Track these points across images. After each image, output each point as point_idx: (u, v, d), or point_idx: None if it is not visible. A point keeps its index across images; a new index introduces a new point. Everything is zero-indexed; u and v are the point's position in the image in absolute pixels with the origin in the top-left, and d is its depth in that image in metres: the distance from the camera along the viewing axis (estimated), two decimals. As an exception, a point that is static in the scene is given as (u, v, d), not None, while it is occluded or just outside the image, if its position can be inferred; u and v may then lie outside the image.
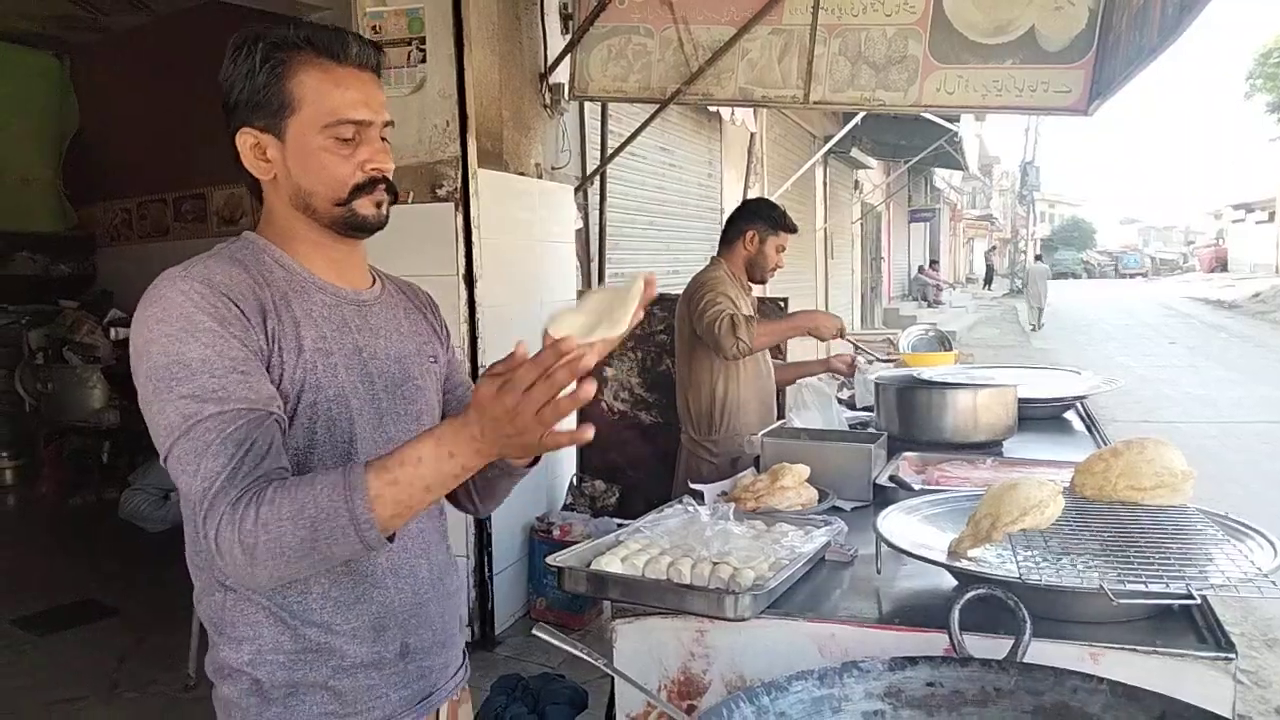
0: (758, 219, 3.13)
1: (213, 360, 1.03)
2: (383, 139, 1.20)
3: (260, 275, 1.15)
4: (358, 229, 1.20)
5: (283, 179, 1.17)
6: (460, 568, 1.38)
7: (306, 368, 1.13)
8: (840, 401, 3.03)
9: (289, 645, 1.14)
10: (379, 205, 1.19)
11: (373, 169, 1.17)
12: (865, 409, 3.05)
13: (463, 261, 3.54)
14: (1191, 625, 1.19)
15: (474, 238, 3.55)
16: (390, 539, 1.02)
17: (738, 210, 3.27)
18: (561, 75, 4.38)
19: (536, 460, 1.22)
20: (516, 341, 0.96)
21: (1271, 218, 32.95)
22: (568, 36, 4.38)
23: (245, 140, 1.16)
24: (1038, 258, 25.94)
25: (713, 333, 2.85)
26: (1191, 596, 1.09)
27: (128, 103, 6.62)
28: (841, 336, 3.02)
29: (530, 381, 0.93)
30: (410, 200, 3.58)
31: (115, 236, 7.06)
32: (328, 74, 1.14)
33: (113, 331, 6.14)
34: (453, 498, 1.35)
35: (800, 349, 4.61)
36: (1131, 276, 47.62)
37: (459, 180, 3.55)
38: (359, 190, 1.17)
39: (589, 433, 1.00)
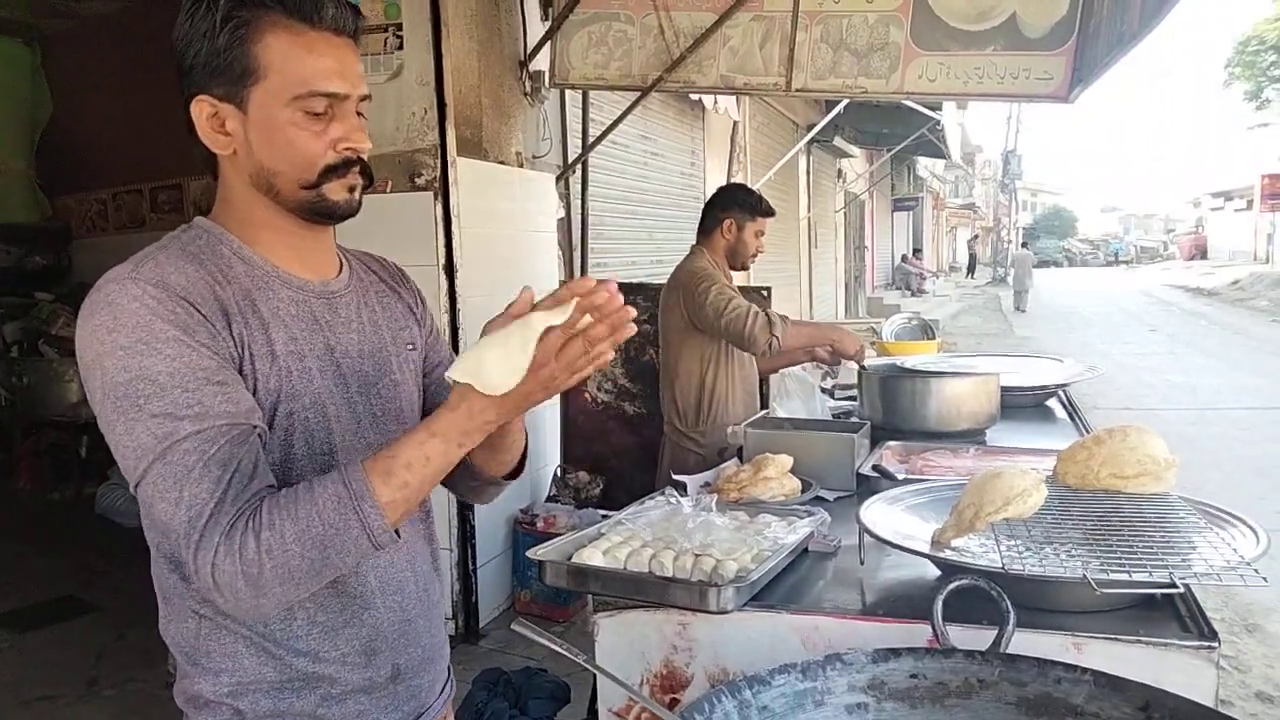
0: (733, 205, 3.07)
1: (183, 373, 0.93)
2: (359, 114, 1.06)
3: (219, 271, 1.02)
4: (326, 215, 1.07)
5: (243, 155, 1.03)
6: (442, 570, 1.30)
7: (282, 374, 1.03)
8: (823, 391, 3.02)
9: (273, 675, 1.06)
10: (351, 190, 1.06)
11: (346, 148, 1.04)
12: (848, 398, 3.04)
13: (443, 252, 3.51)
14: (1174, 614, 1.19)
15: (454, 227, 3.52)
16: (397, 533, 0.97)
17: (713, 198, 3.19)
18: (542, 63, 4.34)
19: (521, 468, 1.24)
20: (524, 288, 0.99)
21: (1250, 205, 33.23)
22: (547, 23, 4.34)
23: (201, 109, 1.02)
24: (1023, 245, 27.90)
25: (740, 326, 2.74)
26: (1175, 585, 1.08)
27: (101, 91, 6.50)
28: (862, 358, 2.86)
29: (559, 346, 0.94)
30: (389, 189, 3.54)
31: (91, 227, 6.94)
32: (299, 38, 1.00)
33: (89, 324, 6.04)
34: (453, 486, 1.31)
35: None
36: (1121, 264, 48.76)
37: (438, 169, 3.51)
38: (330, 172, 1.03)
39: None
